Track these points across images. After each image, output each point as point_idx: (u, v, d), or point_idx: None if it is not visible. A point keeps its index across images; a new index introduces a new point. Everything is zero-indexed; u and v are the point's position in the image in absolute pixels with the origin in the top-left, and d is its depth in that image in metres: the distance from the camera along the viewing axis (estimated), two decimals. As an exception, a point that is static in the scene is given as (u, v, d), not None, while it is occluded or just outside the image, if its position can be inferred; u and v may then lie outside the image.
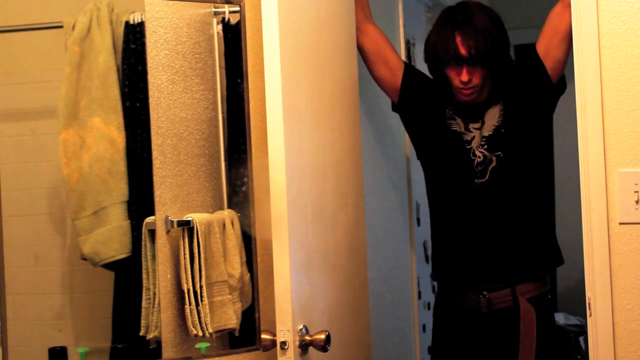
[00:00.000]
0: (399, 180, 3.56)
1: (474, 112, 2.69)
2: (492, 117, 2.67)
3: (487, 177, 2.64)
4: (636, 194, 2.06)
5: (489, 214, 2.67)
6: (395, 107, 2.87)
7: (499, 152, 2.64)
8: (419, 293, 3.86)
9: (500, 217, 2.67)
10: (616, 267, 2.08)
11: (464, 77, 2.58)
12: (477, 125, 2.68)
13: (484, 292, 2.67)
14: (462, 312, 2.74)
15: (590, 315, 2.10)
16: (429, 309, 4.07)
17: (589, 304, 2.10)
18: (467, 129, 2.69)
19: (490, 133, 2.66)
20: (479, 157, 2.64)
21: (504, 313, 2.66)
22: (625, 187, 2.07)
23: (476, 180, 2.65)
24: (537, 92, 2.67)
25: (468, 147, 2.67)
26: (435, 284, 4.20)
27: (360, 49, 2.76)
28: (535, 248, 2.69)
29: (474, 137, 2.67)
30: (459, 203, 2.71)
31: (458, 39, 2.57)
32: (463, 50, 2.57)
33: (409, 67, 2.82)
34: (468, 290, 2.72)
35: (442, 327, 2.85)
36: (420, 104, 2.78)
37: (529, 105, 2.67)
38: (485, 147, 2.65)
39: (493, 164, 2.64)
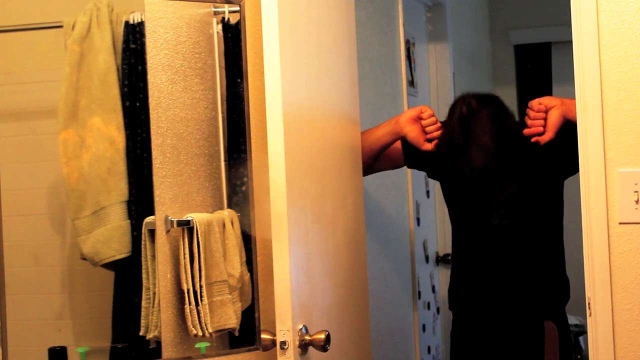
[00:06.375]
0: (399, 180, 3.56)
1: (489, 178, 2.75)
2: (510, 189, 2.74)
3: (502, 237, 2.72)
4: (636, 193, 2.06)
5: (505, 260, 2.76)
6: (409, 165, 2.92)
7: (516, 219, 2.72)
8: (419, 293, 3.86)
9: (516, 263, 2.75)
10: (616, 267, 2.07)
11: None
12: (492, 187, 2.75)
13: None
14: (483, 328, 2.80)
15: (590, 315, 2.10)
16: (428, 308, 4.08)
17: (588, 303, 2.10)
18: (483, 190, 2.75)
19: (508, 201, 2.72)
20: (495, 220, 2.73)
21: (527, 327, 2.73)
22: (625, 187, 2.07)
23: (495, 227, 2.73)
24: (554, 172, 2.73)
25: (483, 204, 2.74)
26: (436, 284, 4.23)
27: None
28: (549, 287, 2.76)
29: (487, 198, 2.74)
30: (476, 250, 2.81)
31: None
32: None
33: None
34: (488, 322, 2.80)
35: (461, 344, 2.87)
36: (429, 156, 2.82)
37: (547, 178, 2.74)
38: (501, 212, 2.72)
39: (509, 229, 2.71)
